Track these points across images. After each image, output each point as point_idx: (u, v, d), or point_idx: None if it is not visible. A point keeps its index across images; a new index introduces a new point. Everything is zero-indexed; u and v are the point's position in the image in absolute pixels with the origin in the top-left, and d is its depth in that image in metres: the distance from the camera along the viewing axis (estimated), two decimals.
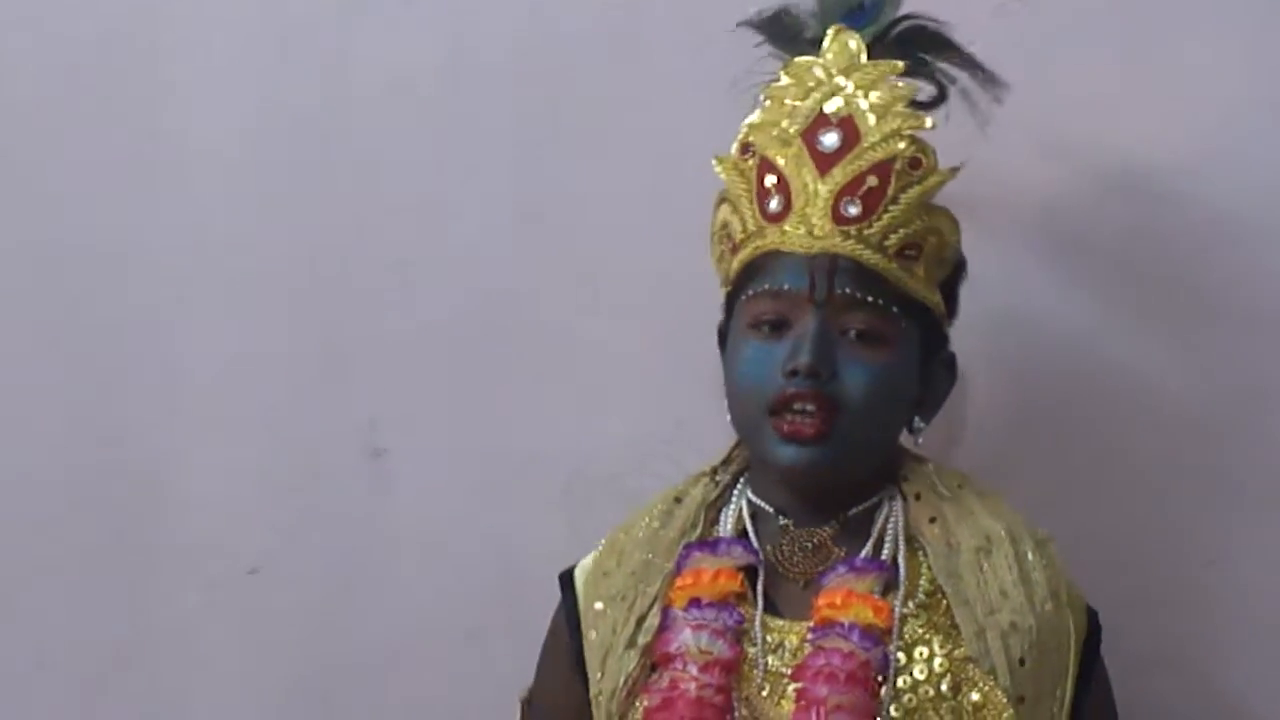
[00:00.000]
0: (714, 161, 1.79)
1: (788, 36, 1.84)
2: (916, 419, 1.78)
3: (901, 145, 1.73)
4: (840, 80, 1.76)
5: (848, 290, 1.70)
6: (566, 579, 1.82)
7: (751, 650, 1.68)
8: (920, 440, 1.81)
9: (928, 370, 1.78)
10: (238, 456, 2.26)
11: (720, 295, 1.84)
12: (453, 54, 2.24)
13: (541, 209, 2.19)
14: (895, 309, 1.72)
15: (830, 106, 1.75)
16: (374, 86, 2.25)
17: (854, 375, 1.70)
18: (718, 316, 1.84)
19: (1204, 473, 2.10)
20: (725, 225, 1.81)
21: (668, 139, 2.03)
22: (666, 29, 2.13)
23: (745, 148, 1.78)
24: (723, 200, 1.81)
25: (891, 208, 1.72)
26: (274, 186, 2.26)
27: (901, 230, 1.73)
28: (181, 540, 2.26)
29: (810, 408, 1.68)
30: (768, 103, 1.79)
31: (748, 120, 1.79)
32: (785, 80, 1.78)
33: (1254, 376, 2.10)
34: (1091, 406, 2.12)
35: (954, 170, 1.75)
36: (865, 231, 1.72)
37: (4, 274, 2.32)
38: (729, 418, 1.79)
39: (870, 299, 1.71)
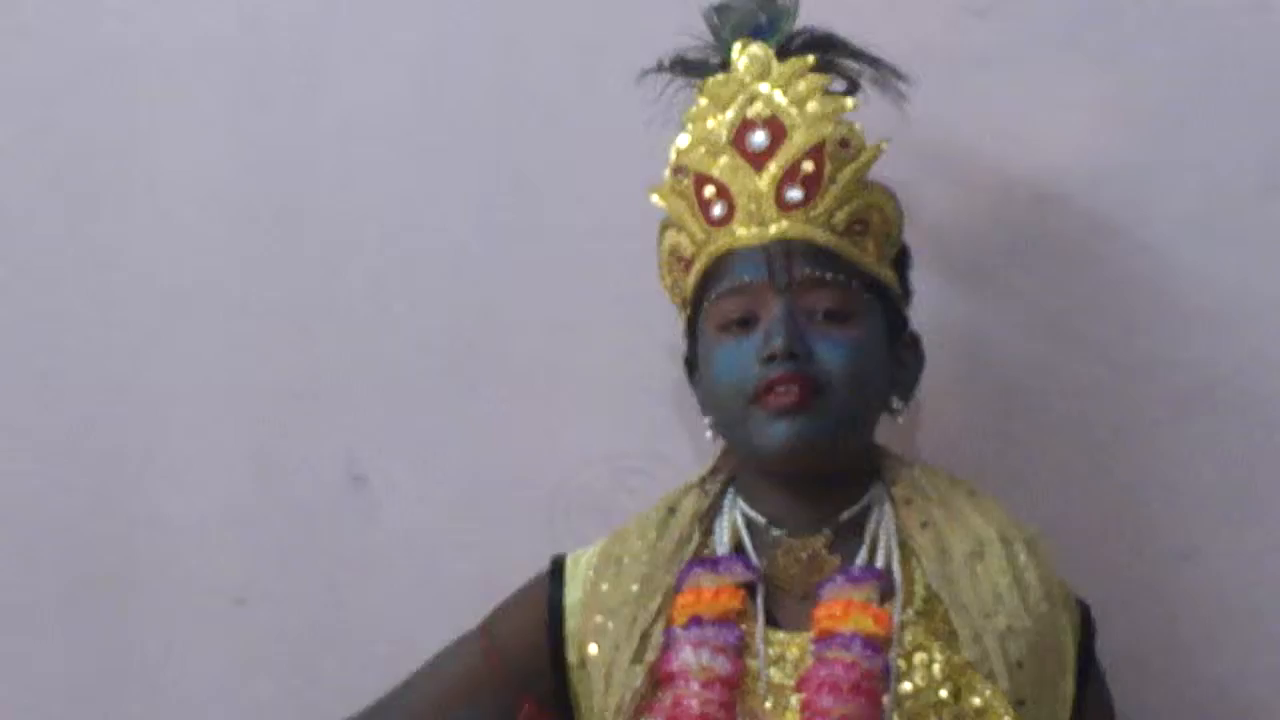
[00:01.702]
0: (651, 193, 1.79)
1: (697, 70, 1.85)
2: (895, 400, 1.77)
3: (829, 128, 1.73)
4: (757, 86, 1.76)
5: (807, 271, 1.69)
6: (557, 565, 1.82)
7: (754, 664, 1.64)
8: (901, 419, 1.79)
9: (895, 350, 1.77)
10: (221, 487, 2.20)
11: (680, 326, 1.84)
12: (426, 86, 2.21)
13: (516, 237, 2.16)
14: (854, 284, 1.71)
15: (752, 111, 1.76)
16: (347, 117, 2.22)
17: (829, 351, 1.68)
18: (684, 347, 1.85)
19: (1170, 469, 2.06)
20: (674, 249, 1.81)
21: (639, 169, 1.89)
22: (630, 67, 1.99)
23: (678, 170, 1.78)
24: (666, 227, 1.81)
25: (831, 187, 1.72)
26: (250, 220, 2.22)
27: (845, 207, 1.73)
28: (168, 572, 2.21)
29: (793, 388, 1.66)
30: (690, 126, 1.80)
31: (675, 146, 1.79)
32: (704, 101, 1.79)
33: (1202, 376, 2.05)
34: (1044, 409, 2.07)
35: (881, 145, 1.75)
36: (811, 213, 1.72)
37: None
38: (709, 434, 1.77)
39: (830, 276, 1.70)
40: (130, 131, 2.24)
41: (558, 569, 1.79)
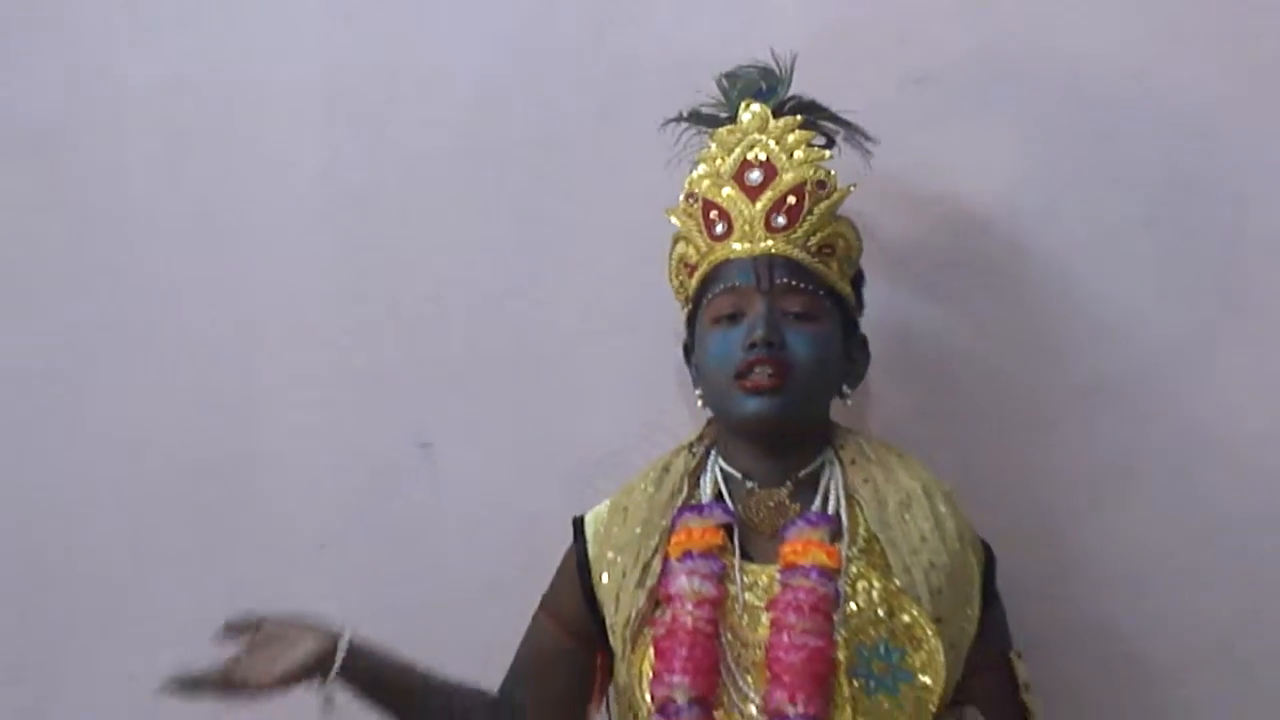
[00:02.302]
0: (666, 212, 1.93)
1: (708, 122, 1.99)
2: (845, 387, 1.91)
3: (810, 172, 1.87)
4: (756, 136, 1.90)
5: (784, 280, 1.84)
6: (578, 524, 1.93)
7: (732, 589, 1.80)
8: (849, 402, 1.92)
9: (848, 348, 1.91)
10: (314, 452, 2.36)
11: (679, 319, 1.96)
12: (472, 138, 2.33)
13: (555, 257, 2.31)
14: (820, 293, 1.86)
15: (751, 154, 1.90)
16: (415, 164, 2.35)
17: (797, 343, 1.82)
18: (684, 336, 1.96)
19: (1066, 450, 2.18)
20: (682, 257, 1.95)
21: (642, 200, 2.07)
22: (635, 117, 2.18)
23: (690, 195, 1.92)
24: (677, 240, 1.95)
25: (809, 217, 1.86)
26: (336, 241, 2.37)
27: (818, 234, 1.87)
28: (269, 522, 2.36)
29: (769, 370, 1.81)
30: (701, 164, 1.93)
31: (688, 178, 1.93)
32: (713, 146, 1.93)
33: (1092, 373, 2.17)
34: (969, 395, 2.20)
35: (850, 188, 1.88)
36: (792, 235, 1.86)
37: (135, 316, 2.41)
38: (699, 403, 1.92)
39: (802, 285, 1.85)
40: (244, 167, 2.40)
41: (579, 530, 1.94)
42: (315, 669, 1.84)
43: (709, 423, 1.96)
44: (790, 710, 1.74)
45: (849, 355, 1.92)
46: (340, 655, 1.84)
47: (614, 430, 2.22)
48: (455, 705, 1.94)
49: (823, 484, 1.88)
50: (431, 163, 2.35)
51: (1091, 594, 2.17)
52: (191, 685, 1.81)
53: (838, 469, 1.90)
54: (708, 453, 1.94)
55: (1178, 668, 2.15)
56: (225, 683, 1.83)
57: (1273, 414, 2.13)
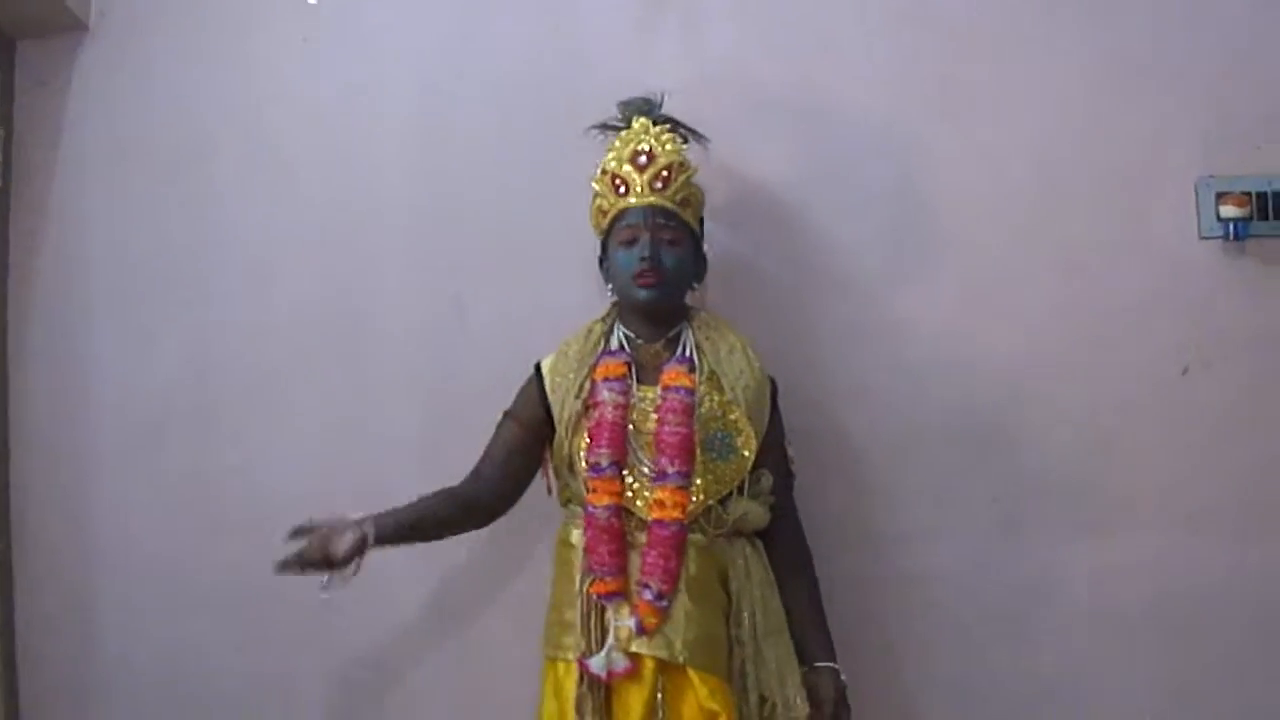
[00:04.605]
0: (592, 181, 2.50)
1: (614, 129, 2.53)
2: (694, 283, 2.50)
3: (676, 156, 2.45)
4: (642, 135, 2.47)
5: (660, 221, 2.41)
6: (538, 366, 2.48)
7: (632, 400, 2.38)
8: (696, 291, 2.51)
9: (696, 261, 2.49)
10: (398, 302, 2.90)
11: (596, 244, 2.53)
12: (501, 125, 2.89)
13: (539, 192, 2.85)
14: (681, 227, 2.43)
15: (640, 146, 2.46)
16: (467, 140, 2.91)
17: (667, 257, 2.41)
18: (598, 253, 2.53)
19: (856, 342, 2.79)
20: (599, 207, 2.50)
21: (586, 172, 2.57)
22: (582, 121, 2.67)
23: (604, 171, 2.47)
24: (596, 195, 2.49)
25: (674, 183, 2.43)
26: (420, 181, 2.92)
27: (680, 193, 2.43)
28: (370, 337, 2.88)
29: (651, 274, 2.38)
30: (610, 152, 2.48)
31: (600, 163, 2.49)
32: (617, 142, 2.49)
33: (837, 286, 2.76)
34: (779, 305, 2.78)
35: (696, 168, 2.47)
36: (665, 194, 2.43)
37: (301, 233, 2.96)
38: (609, 291, 2.50)
39: (670, 223, 2.42)
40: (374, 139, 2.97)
41: (539, 369, 2.47)
42: (359, 549, 2.28)
43: (612, 305, 2.53)
44: (670, 469, 2.33)
45: (696, 265, 2.51)
46: (370, 542, 2.30)
47: (570, 301, 2.72)
48: (442, 510, 2.43)
49: (681, 340, 2.47)
50: (477, 141, 2.94)
51: (827, 406, 2.79)
52: (284, 566, 2.24)
53: (690, 332, 2.47)
54: (613, 323, 2.50)
55: (879, 436, 2.78)
56: (304, 562, 2.24)
57: (943, 319, 2.79)
